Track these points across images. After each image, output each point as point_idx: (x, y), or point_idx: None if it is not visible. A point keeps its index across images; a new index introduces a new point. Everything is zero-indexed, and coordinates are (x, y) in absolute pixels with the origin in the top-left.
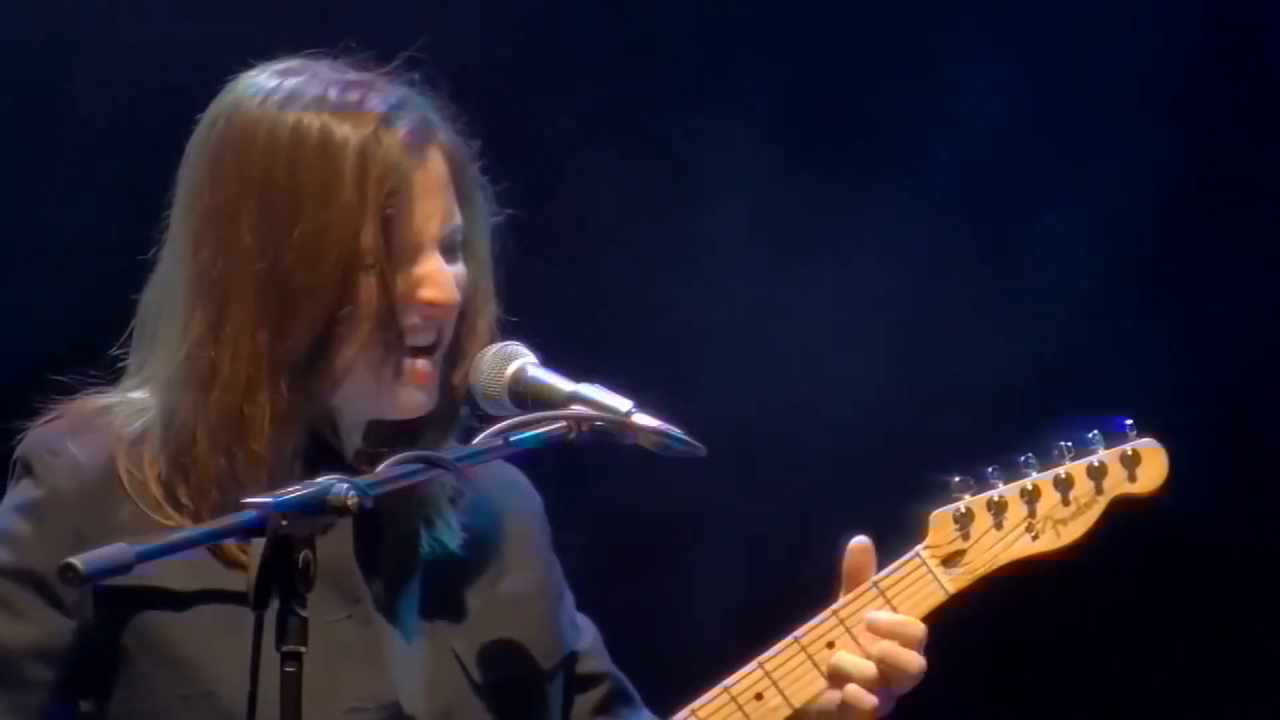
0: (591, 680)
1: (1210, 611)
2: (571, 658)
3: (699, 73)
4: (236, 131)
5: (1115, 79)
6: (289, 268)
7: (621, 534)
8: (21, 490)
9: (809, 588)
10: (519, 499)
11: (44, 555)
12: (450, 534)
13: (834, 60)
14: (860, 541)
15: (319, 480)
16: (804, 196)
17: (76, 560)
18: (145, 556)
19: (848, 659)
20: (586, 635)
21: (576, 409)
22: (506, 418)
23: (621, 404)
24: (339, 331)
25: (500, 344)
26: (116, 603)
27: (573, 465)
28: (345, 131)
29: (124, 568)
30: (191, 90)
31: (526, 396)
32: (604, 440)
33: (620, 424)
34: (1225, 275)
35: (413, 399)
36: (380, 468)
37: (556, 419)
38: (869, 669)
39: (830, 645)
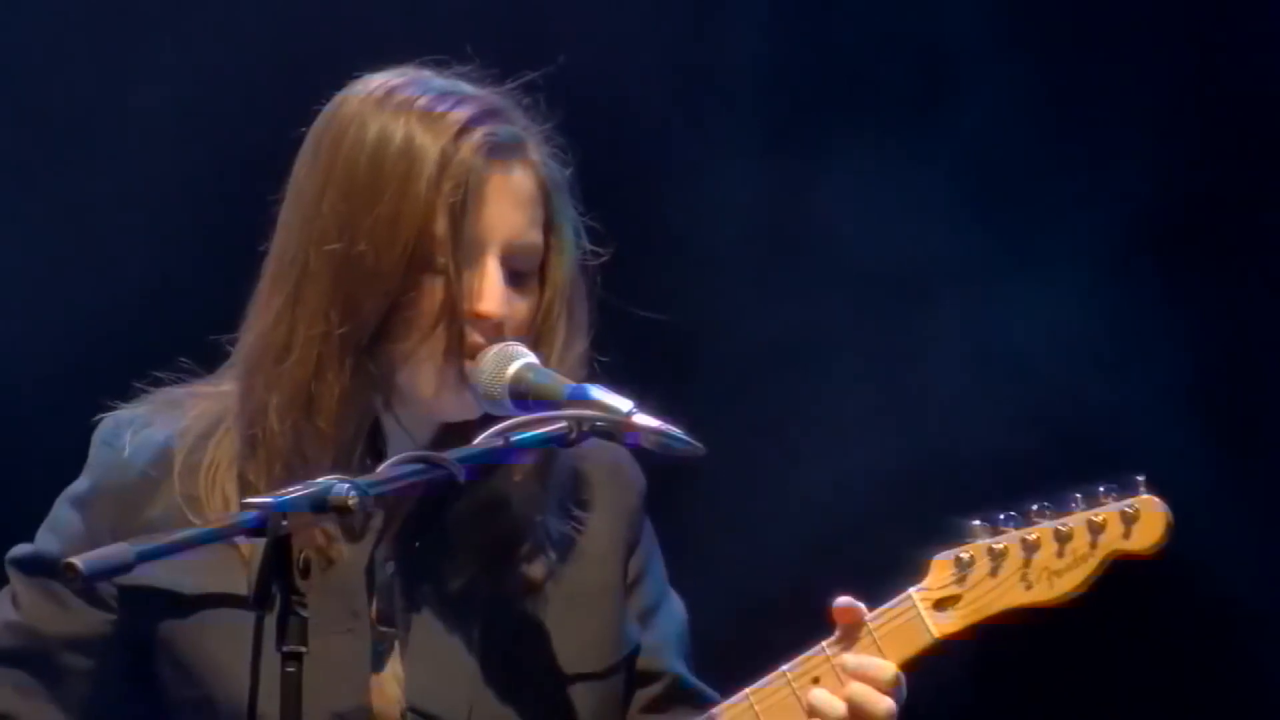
0: (647, 678)
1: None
2: (634, 653)
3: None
4: (335, 124)
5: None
6: (361, 251)
7: None
8: (80, 478)
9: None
10: (617, 487)
11: (84, 548)
12: (539, 565)
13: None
14: (846, 602)
15: (319, 480)
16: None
17: (76, 560)
18: (145, 557)
19: (822, 696)
20: (661, 628)
21: (578, 409)
22: (508, 418)
23: (622, 404)
24: (402, 319)
25: (500, 344)
26: (137, 602)
27: None
28: (429, 132)
29: (124, 568)
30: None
31: (528, 396)
32: (604, 440)
33: (621, 424)
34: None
35: (465, 402)
36: (381, 467)
37: (558, 419)
38: (840, 708)
39: (815, 681)
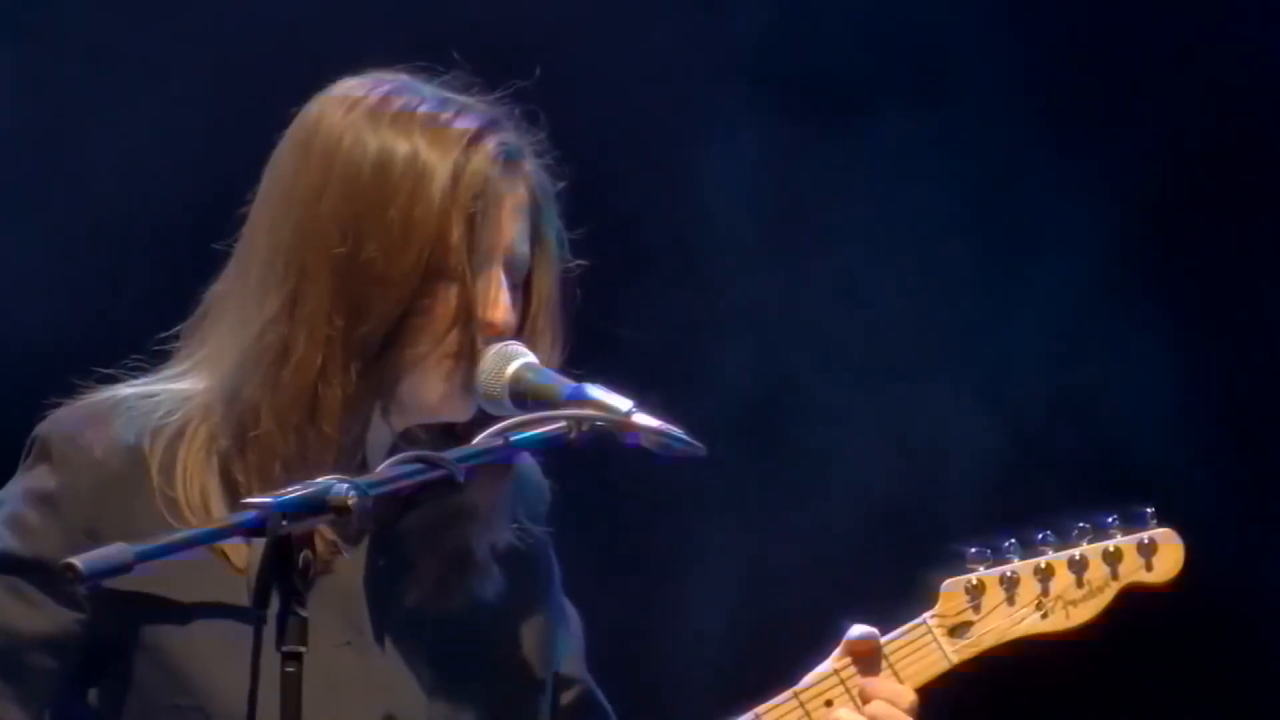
0: (564, 683)
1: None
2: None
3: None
4: (326, 129)
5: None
6: (370, 256)
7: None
8: (37, 476)
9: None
10: (532, 499)
11: (56, 547)
12: (486, 584)
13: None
14: (862, 633)
15: (319, 480)
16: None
17: (76, 560)
18: (144, 557)
19: (848, 716)
20: (567, 635)
21: (577, 409)
22: (507, 417)
23: (622, 404)
24: (411, 325)
25: (500, 343)
26: (122, 606)
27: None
28: (438, 142)
29: (123, 568)
30: (275, 83)
31: (527, 396)
32: (604, 440)
33: (621, 424)
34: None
35: (467, 405)
36: (380, 467)
37: (557, 419)
38: None
39: (829, 704)
